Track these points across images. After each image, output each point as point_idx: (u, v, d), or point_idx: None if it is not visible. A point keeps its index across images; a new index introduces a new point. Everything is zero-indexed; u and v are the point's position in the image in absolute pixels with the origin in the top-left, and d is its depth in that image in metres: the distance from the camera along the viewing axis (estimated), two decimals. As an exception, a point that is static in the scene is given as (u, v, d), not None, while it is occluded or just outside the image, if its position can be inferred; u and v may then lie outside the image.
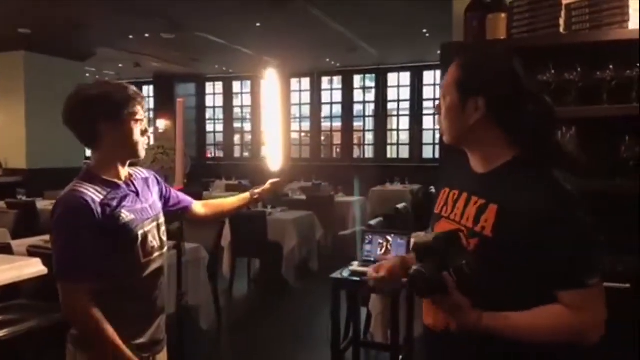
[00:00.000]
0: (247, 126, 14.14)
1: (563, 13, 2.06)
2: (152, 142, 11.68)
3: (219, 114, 14.40)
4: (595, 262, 1.14)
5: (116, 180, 1.51)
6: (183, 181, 2.39)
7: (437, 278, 1.11)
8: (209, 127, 14.58)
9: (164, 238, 1.60)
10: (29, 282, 2.82)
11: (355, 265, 3.04)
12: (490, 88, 1.22)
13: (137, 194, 1.55)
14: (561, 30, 2.07)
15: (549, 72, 2.09)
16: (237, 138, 14.40)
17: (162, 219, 1.62)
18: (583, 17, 2.02)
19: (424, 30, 8.47)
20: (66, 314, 1.41)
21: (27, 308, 2.78)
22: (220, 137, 14.49)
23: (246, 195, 1.98)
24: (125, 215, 1.46)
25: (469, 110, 1.23)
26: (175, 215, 2.14)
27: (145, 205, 1.55)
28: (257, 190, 1.96)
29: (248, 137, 14.16)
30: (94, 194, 1.43)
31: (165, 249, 1.61)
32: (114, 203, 1.45)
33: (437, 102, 1.33)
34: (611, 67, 2.01)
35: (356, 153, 13.12)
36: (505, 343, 1.13)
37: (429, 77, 12.03)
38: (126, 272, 1.48)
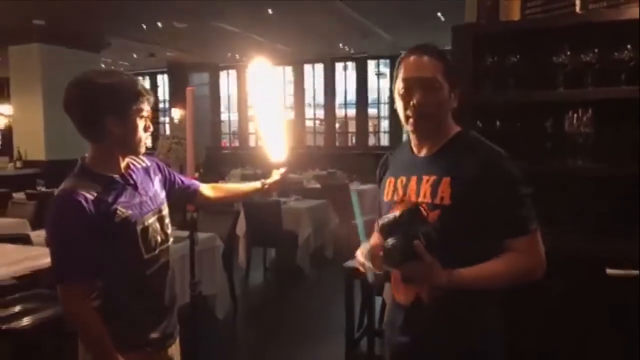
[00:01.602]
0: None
1: (579, -8, 1.99)
2: (167, 132, 11.71)
3: (234, 102, 14.42)
4: (531, 209, 1.32)
5: (112, 175, 1.45)
6: (195, 171, 2.38)
7: (410, 246, 1.23)
8: (224, 116, 14.62)
9: (168, 231, 1.56)
10: (47, 271, 2.87)
11: (368, 253, 3.02)
12: (459, 79, 1.42)
13: (136, 187, 1.49)
14: (577, 9, 2.00)
15: (564, 53, 2.03)
16: (252, 126, 14.41)
17: (165, 211, 1.57)
18: (600, -5, 1.95)
19: (439, 14, 8.33)
20: (64, 314, 1.40)
21: (46, 297, 2.82)
22: (235, 126, 14.52)
23: (257, 184, 1.95)
24: (122, 211, 1.41)
25: (453, 100, 1.39)
26: (186, 203, 2.12)
27: (144, 198, 1.50)
28: (268, 181, 1.93)
29: (263, 126, 14.13)
30: (87, 192, 1.37)
31: (170, 241, 1.57)
32: (109, 199, 1.40)
33: (417, 97, 1.35)
34: (629, 47, 1.94)
35: (371, 140, 13.04)
36: (469, 307, 1.33)
37: (444, 61, 11.84)
38: (129, 269, 1.44)
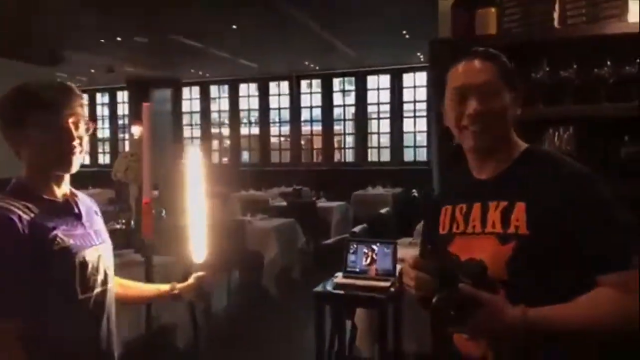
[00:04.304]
0: (226, 131, 13.91)
1: (557, 6, 1.94)
2: (127, 149, 11.31)
3: (197, 119, 14.14)
4: (633, 237, 1.05)
5: (52, 198, 1.25)
6: (151, 192, 2.18)
7: (457, 292, 0.96)
8: (187, 133, 14.28)
9: (110, 272, 1.36)
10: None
11: (339, 277, 2.87)
12: (517, 80, 1.19)
13: (79, 217, 1.30)
14: (555, 24, 1.94)
15: (543, 69, 1.96)
16: (215, 143, 14.15)
17: (109, 251, 1.37)
18: (579, 10, 1.91)
19: (404, 32, 8.39)
20: None
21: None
22: (198, 143, 14.22)
23: (165, 287, 1.61)
24: (62, 239, 1.20)
25: (516, 107, 1.18)
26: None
27: (89, 230, 1.30)
28: (179, 285, 1.58)
29: (227, 142, 13.94)
30: (22, 212, 1.16)
31: (111, 284, 1.36)
32: (49, 224, 1.19)
33: (472, 106, 1.15)
34: (609, 63, 1.89)
35: (337, 157, 12.99)
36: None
37: (408, 79, 11.98)
38: (60, 310, 1.22)
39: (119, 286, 1.48)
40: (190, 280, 1.58)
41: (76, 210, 1.30)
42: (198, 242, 1.59)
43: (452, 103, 1.19)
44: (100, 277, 1.29)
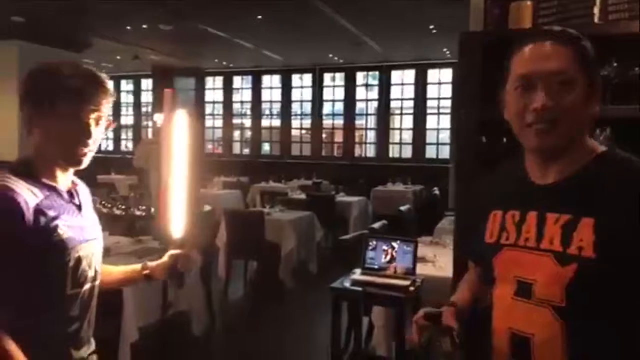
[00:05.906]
0: (247, 122, 13.93)
1: (598, 0, 1.84)
2: (150, 136, 11.28)
3: (219, 109, 14.19)
4: None
5: (55, 185, 1.17)
6: (168, 184, 2.15)
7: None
8: (208, 123, 14.36)
9: (99, 269, 1.28)
10: None
11: (357, 274, 2.83)
12: (598, 71, 1.05)
13: (80, 208, 1.23)
14: (595, 19, 1.85)
15: (580, 66, 1.87)
16: (237, 134, 14.19)
17: (100, 246, 1.29)
18: (621, 5, 1.80)
19: (431, 27, 8.24)
20: None
21: None
22: (219, 133, 14.29)
23: (136, 267, 1.47)
24: (63, 230, 1.12)
25: (593, 102, 1.00)
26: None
27: (86, 223, 1.23)
28: (151, 264, 1.45)
29: (248, 134, 13.97)
30: (28, 195, 1.08)
31: (98, 281, 1.28)
32: (51, 212, 1.11)
33: (539, 100, 0.97)
34: (651, 61, 1.79)
35: (357, 151, 12.91)
36: None
37: (433, 75, 11.81)
38: (46, 304, 1.14)
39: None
40: (164, 258, 1.44)
41: (77, 201, 1.23)
42: (176, 215, 1.41)
43: (515, 93, 1.01)
44: (90, 274, 1.23)
